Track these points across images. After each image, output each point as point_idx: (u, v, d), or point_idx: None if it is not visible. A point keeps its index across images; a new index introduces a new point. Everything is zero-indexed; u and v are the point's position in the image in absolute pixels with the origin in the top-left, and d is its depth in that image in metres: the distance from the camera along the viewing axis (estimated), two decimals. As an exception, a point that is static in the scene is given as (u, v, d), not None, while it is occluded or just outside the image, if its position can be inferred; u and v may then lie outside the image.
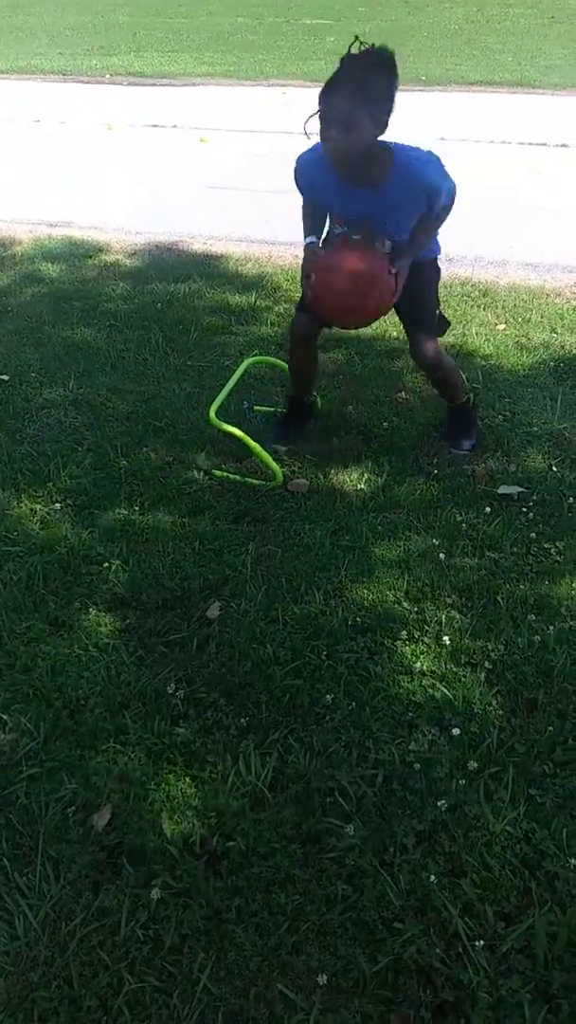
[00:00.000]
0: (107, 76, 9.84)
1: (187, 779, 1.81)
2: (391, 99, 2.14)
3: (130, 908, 1.58)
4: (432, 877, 1.61)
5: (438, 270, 2.70)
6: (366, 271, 2.36)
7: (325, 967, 1.49)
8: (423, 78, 9.07)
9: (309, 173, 2.44)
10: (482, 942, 1.52)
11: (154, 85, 9.49)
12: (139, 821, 1.73)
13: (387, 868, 1.64)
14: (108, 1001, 1.46)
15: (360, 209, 2.37)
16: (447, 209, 2.44)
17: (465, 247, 4.57)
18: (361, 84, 2.08)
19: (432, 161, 2.31)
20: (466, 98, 8.12)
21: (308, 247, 2.49)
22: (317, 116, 2.12)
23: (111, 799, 1.77)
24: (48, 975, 1.50)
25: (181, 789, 1.79)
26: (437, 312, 2.70)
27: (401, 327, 2.84)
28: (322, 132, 2.14)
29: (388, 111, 2.16)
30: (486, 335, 3.69)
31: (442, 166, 2.33)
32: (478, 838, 1.68)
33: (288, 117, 7.57)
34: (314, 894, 1.60)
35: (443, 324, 2.73)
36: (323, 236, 2.56)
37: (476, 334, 3.70)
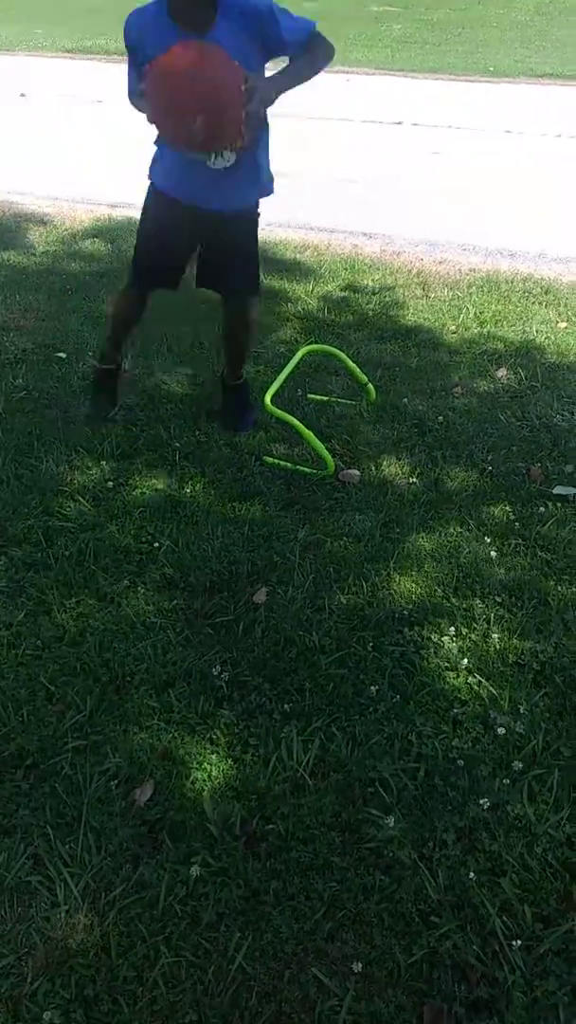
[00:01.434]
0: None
1: (229, 760, 1.82)
2: None
3: (169, 883, 1.60)
4: (471, 874, 1.60)
5: (257, 222, 2.68)
6: (211, 66, 2.19)
7: (360, 955, 1.50)
8: (491, 69, 8.93)
9: (142, 24, 2.32)
10: (519, 942, 1.51)
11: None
12: (180, 799, 1.75)
13: (426, 862, 1.63)
14: (144, 973, 1.48)
15: None
16: (316, 39, 2.46)
17: (528, 242, 4.50)
18: None
19: None
20: (534, 91, 7.98)
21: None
22: None
23: (154, 775, 1.79)
24: (86, 943, 1.52)
25: (223, 770, 1.80)
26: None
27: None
28: None
29: None
30: (547, 333, 3.64)
31: None
32: (519, 839, 1.67)
33: (350, 105, 7.51)
34: (352, 882, 1.60)
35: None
36: None
37: (537, 332, 3.65)
